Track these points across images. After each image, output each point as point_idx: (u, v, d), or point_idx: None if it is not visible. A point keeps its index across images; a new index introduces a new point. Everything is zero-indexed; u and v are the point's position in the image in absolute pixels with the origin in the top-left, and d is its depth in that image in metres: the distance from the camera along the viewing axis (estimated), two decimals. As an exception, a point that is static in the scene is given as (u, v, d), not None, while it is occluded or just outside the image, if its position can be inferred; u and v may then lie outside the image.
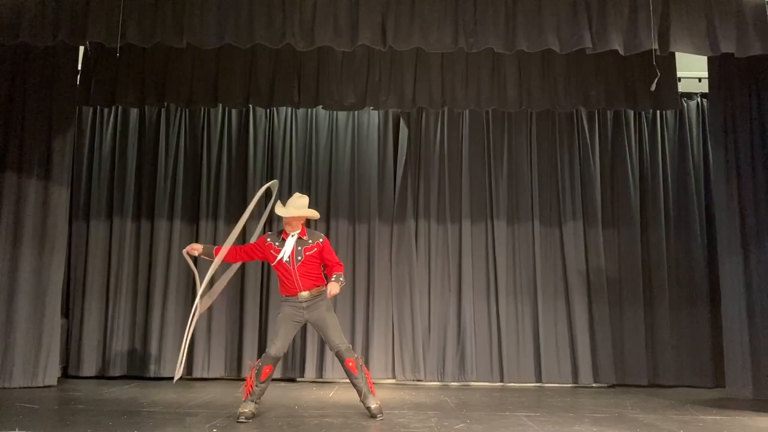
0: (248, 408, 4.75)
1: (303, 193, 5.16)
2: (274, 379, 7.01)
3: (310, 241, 4.94)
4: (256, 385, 4.80)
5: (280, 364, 7.12)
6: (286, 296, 4.92)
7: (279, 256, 4.87)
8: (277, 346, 4.84)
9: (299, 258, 4.86)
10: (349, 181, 7.56)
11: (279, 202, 5.04)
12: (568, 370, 7.19)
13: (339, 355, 4.92)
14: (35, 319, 6.39)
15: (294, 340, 7.21)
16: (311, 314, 4.89)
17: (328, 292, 4.83)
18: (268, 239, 5.01)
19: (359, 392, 4.93)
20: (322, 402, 5.68)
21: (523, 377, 7.20)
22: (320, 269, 5.02)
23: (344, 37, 5.67)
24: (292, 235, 4.90)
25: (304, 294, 4.85)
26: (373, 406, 4.86)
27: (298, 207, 4.94)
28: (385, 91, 6.81)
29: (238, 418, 4.69)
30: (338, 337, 4.92)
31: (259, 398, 4.87)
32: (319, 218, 7.47)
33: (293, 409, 5.28)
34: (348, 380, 5.07)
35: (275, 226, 6.89)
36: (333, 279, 4.91)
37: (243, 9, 5.65)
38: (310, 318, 4.91)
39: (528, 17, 5.65)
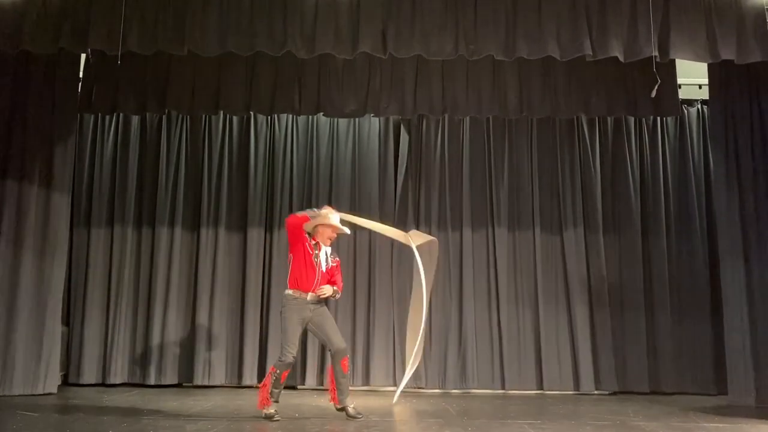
0: (273, 408, 5.05)
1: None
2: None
3: (334, 256, 5.36)
4: (275, 387, 5.07)
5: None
6: (297, 291, 5.11)
7: (314, 252, 5.18)
8: (293, 351, 5.08)
9: (327, 265, 5.23)
10: (350, 189, 7.55)
11: (337, 215, 5.33)
12: (570, 377, 7.17)
13: (339, 353, 5.16)
14: (36, 326, 6.39)
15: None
16: (314, 314, 5.16)
17: (322, 291, 5.16)
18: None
19: (342, 392, 5.18)
20: (323, 409, 5.66)
21: (525, 385, 7.18)
22: None
23: (345, 45, 5.70)
24: (327, 245, 5.28)
25: (313, 295, 5.14)
26: (351, 405, 5.17)
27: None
28: (386, 98, 6.81)
29: (272, 418, 4.97)
30: (340, 337, 5.25)
31: (278, 399, 5.12)
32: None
33: (294, 417, 5.26)
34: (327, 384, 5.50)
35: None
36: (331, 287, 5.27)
37: (244, 16, 5.68)
38: (313, 317, 5.15)
39: (528, 24, 5.68)
